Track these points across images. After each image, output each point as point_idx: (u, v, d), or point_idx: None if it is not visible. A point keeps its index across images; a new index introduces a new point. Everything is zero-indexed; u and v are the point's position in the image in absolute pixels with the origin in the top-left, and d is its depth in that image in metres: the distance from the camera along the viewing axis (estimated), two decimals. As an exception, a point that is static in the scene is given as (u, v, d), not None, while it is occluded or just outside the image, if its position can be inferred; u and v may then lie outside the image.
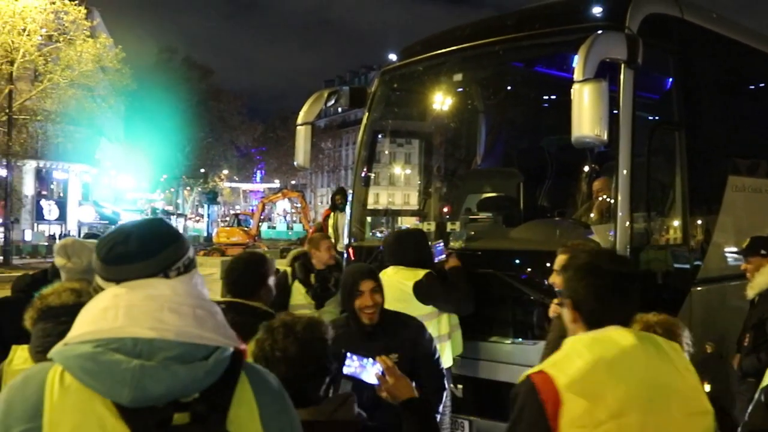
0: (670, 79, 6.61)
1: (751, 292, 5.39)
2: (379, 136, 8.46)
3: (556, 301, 4.44)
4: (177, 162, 61.62)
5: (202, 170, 65.33)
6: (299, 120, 7.71)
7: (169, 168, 62.19)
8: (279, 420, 1.76)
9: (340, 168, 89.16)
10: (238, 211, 64.49)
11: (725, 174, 7.01)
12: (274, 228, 63.91)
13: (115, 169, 54.55)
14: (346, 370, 2.96)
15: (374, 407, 3.02)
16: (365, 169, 8.19)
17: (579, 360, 2.22)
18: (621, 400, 2.17)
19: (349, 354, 2.95)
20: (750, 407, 3.10)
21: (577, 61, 5.16)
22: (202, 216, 73.53)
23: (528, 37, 6.58)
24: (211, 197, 66.80)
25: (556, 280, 4.36)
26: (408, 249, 5.62)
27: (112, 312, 1.65)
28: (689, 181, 6.31)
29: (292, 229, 62.94)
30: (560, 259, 4.31)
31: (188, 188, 68.69)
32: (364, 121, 8.07)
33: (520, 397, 2.29)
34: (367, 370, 2.87)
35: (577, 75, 5.13)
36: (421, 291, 5.41)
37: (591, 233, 6.03)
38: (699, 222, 6.53)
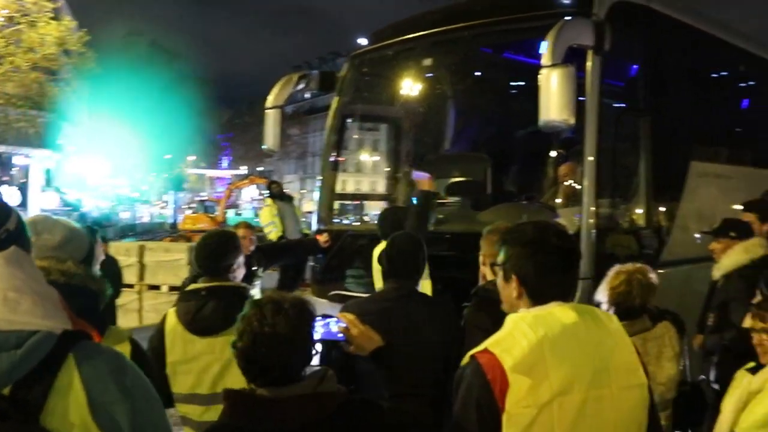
0: (637, 66, 6.72)
1: (718, 272, 5.52)
2: (349, 120, 8.48)
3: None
4: (142, 148, 60.93)
5: (168, 156, 64.67)
6: (268, 103, 7.70)
7: (134, 154, 61.47)
8: (114, 407, 1.61)
9: (307, 155, 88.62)
10: (204, 198, 64.04)
11: (688, 160, 7.15)
12: (240, 215, 63.39)
13: (78, 154, 53.71)
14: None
15: (343, 367, 3.10)
16: (334, 154, 8.22)
17: (524, 339, 2.22)
18: (564, 379, 2.20)
19: None
20: None
21: (545, 47, 5.22)
22: (167, 203, 72.88)
23: (497, 23, 6.64)
24: (177, 183, 66.18)
25: (486, 263, 4.16)
26: (397, 223, 5.53)
27: None
28: (653, 167, 6.44)
29: (258, 215, 62.79)
30: (489, 241, 4.08)
31: (153, 174, 67.97)
32: (334, 105, 8.08)
33: (467, 379, 2.27)
34: (331, 329, 2.91)
35: (545, 60, 5.20)
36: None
37: (557, 216, 6.13)
38: (662, 206, 6.67)
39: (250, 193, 76.51)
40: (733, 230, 5.53)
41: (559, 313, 2.30)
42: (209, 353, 3.68)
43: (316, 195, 8.27)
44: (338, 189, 8.49)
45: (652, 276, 4.20)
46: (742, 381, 3.56)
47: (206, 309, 3.69)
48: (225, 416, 2.33)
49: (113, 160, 60.13)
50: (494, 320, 3.65)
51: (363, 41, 8.02)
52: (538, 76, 5.20)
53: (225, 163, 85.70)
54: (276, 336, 2.32)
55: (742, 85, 9.10)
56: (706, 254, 7.14)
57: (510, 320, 2.35)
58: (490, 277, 3.96)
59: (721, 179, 7.72)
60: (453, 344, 3.73)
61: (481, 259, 4.13)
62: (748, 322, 3.61)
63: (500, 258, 2.47)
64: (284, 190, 13.26)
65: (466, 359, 2.33)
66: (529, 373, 2.17)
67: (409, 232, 4.45)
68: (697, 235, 7.31)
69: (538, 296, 2.36)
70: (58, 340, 1.58)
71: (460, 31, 6.88)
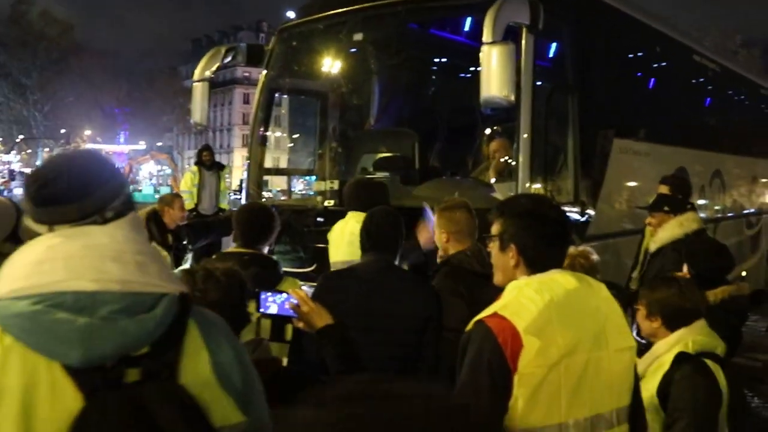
0: (565, 45, 6.88)
1: (653, 245, 5.75)
2: (276, 95, 8.38)
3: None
4: (35, 121, 58.63)
5: (63, 130, 62.40)
6: (195, 76, 7.56)
7: (27, 128, 59.10)
8: (231, 366, 1.70)
9: (208, 129, 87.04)
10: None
11: (611, 137, 7.41)
12: (140, 191, 61.97)
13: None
14: (264, 309, 3.00)
15: (297, 342, 3.21)
16: (262, 129, 8.13)
17: (531, 304, 2.31)
18: (570, 341, 2.31)
19: (263, 293, 2.99)
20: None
21: (486, 24, 5.29)
22: (62, 178, 70.43)
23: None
24: (73, 159, 64.03)
25: (449, 238, 4.19)
26: (363, 195, 5.47)
27: (48, 265, 1.54)
28: (581, 144, 6.63)
29: (158, 191, 61.20)
30: (447, 217, 4.24)
31: (48, 149, 65.48)
32: (262, 79, 8.00)
33: (476, 342, 2.33)
34: (283, 305, 2.92)
35: (486, 37, 5.27)
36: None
37: (493, 191, 6.24)
38: (589, 182, 6.87)
39: (149, 168, 74.79)
40: (667, 205, 5.77)
41: (561, 279, 2.42)
42: None
43: (245, 171, 8.15)
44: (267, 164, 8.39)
45: (594, 257, 4.33)
46: None
47: (247, 274, 3.81)
48: None
49: (4, 134, 57.72)
50: (467, 287, 3.79)
51: (291, 14, 7.91)
52: (480, 54, 5.28)
53: (122, 137, 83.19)
54: (206, 302, 2.33)
55: (656, 66, 9.45)
56: (627, 228, 7.49)
57: (514, 287, 2.43)
58: (452, 250, 4.11)
59: (641, 156, 8.04)
60: (431, 317, 3.81)
61: (442, 236, 4.22)
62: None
63: (495, 229, 2.54)
64: (215, 160, 12.99)
65: (470, 325, 2.39)
66: (539, 335, 2.26)
67: (387, 207, 4.47)
68: (619, 210, 7.63)
69: (535, 265, 2.46)
70: (179, 302, 1.65)
71: (393, 6, 6.89)
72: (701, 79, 10.95)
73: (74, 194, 1.64)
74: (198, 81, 7.51)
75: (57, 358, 1.48)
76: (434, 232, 4.33)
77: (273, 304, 2.96)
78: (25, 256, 1.58)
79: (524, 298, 2.34)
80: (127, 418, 1.48)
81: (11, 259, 1.59)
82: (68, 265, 1.54)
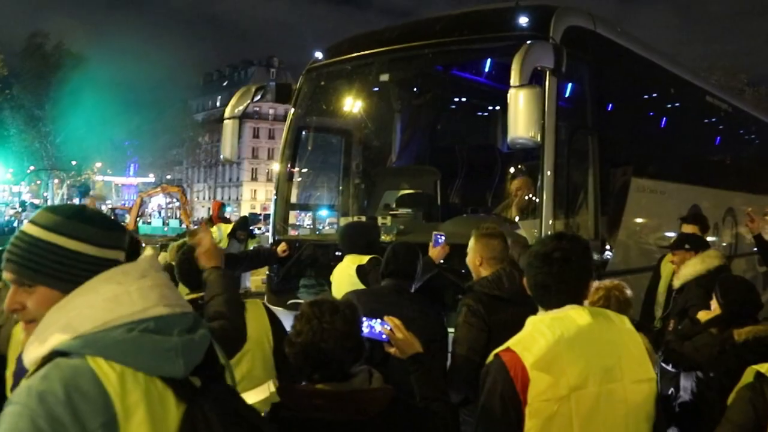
0: (584, 87, 7.11)
1: (677, 282, 5.93)
2: (303, 132, 8.61)
3: None
4: (47, 152, 59.02)
5: (74, 162, 62.78)
6: (226, 114, 7.80)
7: (38, 159, 59.50)
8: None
9: (218, 163, 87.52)
10: (113, 206, 62.41)
11: (629, 176, 7.62)
12: (149, 223, 62.09)
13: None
14: None
15: (384, 363, 3.32)
16: (289, 166, 8.35)
17: (542, 339, 2.50)
18: (580, 375, 2.47)
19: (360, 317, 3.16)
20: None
21: (514, 67, 5.53)
22: (71, 210, 70.54)
23: (458, 42, 6.93)
24: (83, 190, 64.37)
25: (482, 262, 4.47)
26: (358, 237, 5.95)
27: (125, 297, 1.76)
28: (600, 182, 6.84)
29: (167, 224, 61.39)
30: (482, 243, 4.53)
31: (57, 180, 65.83)
32: (290, 117, 8.24)
33: (492, 375, 2.55)
34: (375, 329, 3.10)
35: (514, 80, 5.51)
36: (360, 274, 5.59)
37: (518, 228, 6.44)
38: (607, 219, 7.06)
39: (157, 201, 75.07)
40: (688, 243, 5.96)
41: (575, 315, 2.60)
42: None
43: (272, 206, 8.37)
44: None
45: (628, 292, 4.44)
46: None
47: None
48: (283, 409, 2.52)
49: (15, 164, 58.17)
50: (486, 308, 4.15)
51: (319, 55, 8.17)
52: (507, 96, 5.52)
53: (132, 170, 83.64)
54: (335, 332, 2.57)
55: (671, 106, 9.70)
56: (645, 265, 7.66)
57: (530, 322, 2.65)
58: (484, 273, 4.43)
59: (657, 194, 8.25)
60: (435, 340, 4.12)
61: (476, 260, 4.51)
62: None
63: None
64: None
65: (490, 357, 2.61)
66: (548, 370, 2.45)
67: (408, 242, 4.85)
68: (637, 246, 7.81)
69: (542, 301, 2.70)
70: None
71: (421, 48, 7.15)
72: (713, 119, 11.19)
73: (119, 225, 1.98)
74: (229, 118, 7.75)
75: (162, 374, 1.73)
76: (468, 254, 4.58)
77: (367, 328, 3.10)
78: (95, 296, 1.76)
79: (537, 333, 2.55)
80: (223, 414, 1.78)
81: (77, 302, 1.76)
82: (142, 295, 1.79)
